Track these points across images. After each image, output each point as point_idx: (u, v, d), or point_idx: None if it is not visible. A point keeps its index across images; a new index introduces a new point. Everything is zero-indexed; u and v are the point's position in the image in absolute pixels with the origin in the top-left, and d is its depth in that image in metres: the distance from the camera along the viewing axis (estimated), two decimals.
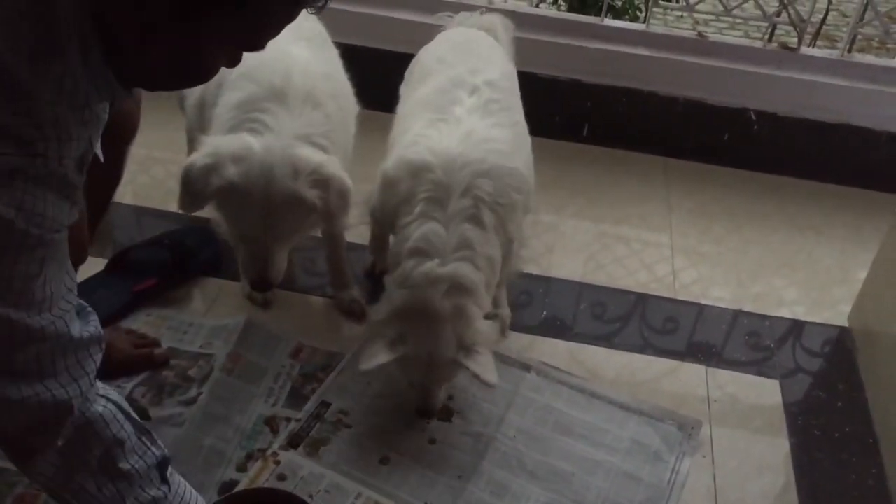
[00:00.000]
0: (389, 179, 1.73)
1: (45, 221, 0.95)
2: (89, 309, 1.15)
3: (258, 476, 1.60)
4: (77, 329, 1.07)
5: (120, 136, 1.61)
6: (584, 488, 1.66)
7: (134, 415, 1.21)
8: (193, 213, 1.77)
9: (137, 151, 2.04)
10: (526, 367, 1.90)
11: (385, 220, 1.84)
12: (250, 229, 1.66)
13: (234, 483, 1.59)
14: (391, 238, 1.79)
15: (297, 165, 1.62)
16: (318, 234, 1.95)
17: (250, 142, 1.62)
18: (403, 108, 1.96)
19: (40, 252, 0.97)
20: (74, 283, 1.09)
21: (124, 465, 1.16)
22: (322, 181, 1.64)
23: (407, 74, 2.06)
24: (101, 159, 1.34)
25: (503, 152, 1.73)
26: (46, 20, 0.91)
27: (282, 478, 1.60)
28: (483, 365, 1.58)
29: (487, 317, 1.80)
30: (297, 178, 1.61)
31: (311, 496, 1.55)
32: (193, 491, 1.29)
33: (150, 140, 2.12)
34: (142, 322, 1.90)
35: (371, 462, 1.66)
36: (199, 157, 1.62)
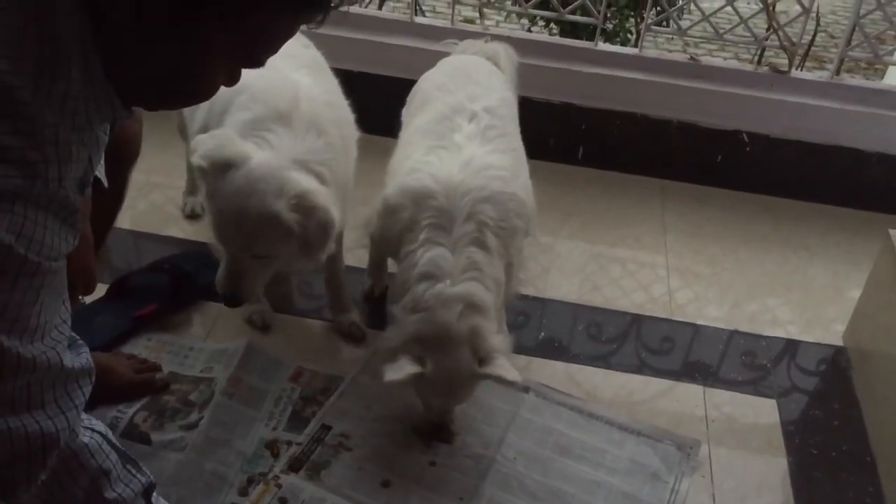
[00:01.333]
0: (391, 207, 1.74)
1: (44, 249, 0.93)
2: (80, 342, 1.13)
3: (259, 500, 1.60)
4: (68, 360, 1.05)
5: (122, 158, 1.62)
6: None
7: (118, 444, 1.20)
8: (194, 238, 1.77)
9: (136, 177, 2.04)
10: (525, 389, 1.90)
11: (386, 247, 1.85)
12: (226, 239, 1.66)
13: None
14: (395, 265, 1.80)
15: (284, 186, 1.61)
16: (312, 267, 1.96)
17: (250, 153, 1.63)
18: (404, 134, 1.98)
19: (38, 280, 0.94)
20: (69, 314, 1.07)
21: (110, 495, 1.16)
22: (306, 208, 1.62)
23: (408, 100, 2.09)
24: (105, 184, 1.36)
25: (503, 178, 1.75)
26: (49, 40, 0.90)
27: (283, 501, 1.61)
28: (502, 367, 1.60)
29: None
30: (279, 197, 1.60)
31: None
32: None
33: (148, 165, 2.14)
34: (142, 347, 1.91)
35: (373, 485, 1.66)
36: (209, 143, 1.64)
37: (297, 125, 1.69)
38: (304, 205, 1.61)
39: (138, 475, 1.21)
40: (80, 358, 1.08)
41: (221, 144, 1.63)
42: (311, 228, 1.63)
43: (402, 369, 1.54)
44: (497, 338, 1.64)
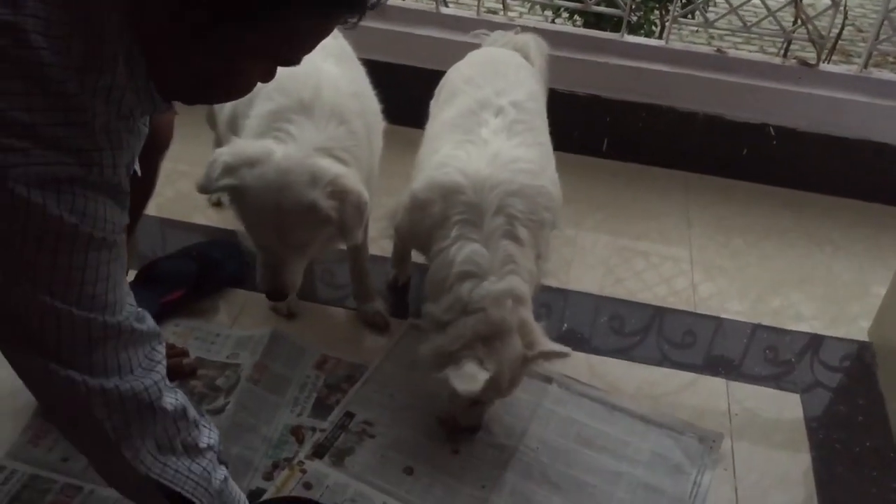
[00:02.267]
0: (420, 202, 1.75)
1: (107, 225, 0.99)
2: (141, 311, 1.18)
3: (285, 484, 1.63)
4: (139, 325, 1.12)
5: (155, 147, 1.64)
6: (606, 499, 1.68)
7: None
8: (220, 226, 1.79)
9: (164, 165, 2.06)
10: (548, 380, 1.91)
11: (414, 241, 1.86)
12: (262, 235, 1.67)
13: (261, 491, 1.61)
14: (418, 255, 1.81)
15: (315, 175, 1.61)
16: (342, 247, 1.98)
17: (272, 148, 1.63)
18: (432, 127, 1.99)
19: (106, 254, 1.01)
20: (129, 287, 1.14)
21: (203, 444, 1.22)
22: (339, 193, 1.62)
23: (437, 92, 2.09)
24: (139, 173, 1.39)
25: (531, 172, 1.76)
26: (96, 35, 0.94)
27: (308, 486, 1.63)
28: (548, 343, 1.63)
29: None
30: (314, 187, 1.60)
31: None
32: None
33: (175, 154, 2.13)
34: (170, 333, 1.93)
35: (395, 472, 1.68)
36: (225, 153, 1.64)
37: (318, 115, 1.69)
38: (337, 190, 1.62)
39: (212, 429, 1.26)
40: (148, 321, 1.16)
41: (243, 144, 1.65)
42: (347, 212, 1.63)
43: (475, 378, 1.54)
44: (539, 327, 1.66)
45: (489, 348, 1.58)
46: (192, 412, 1.22)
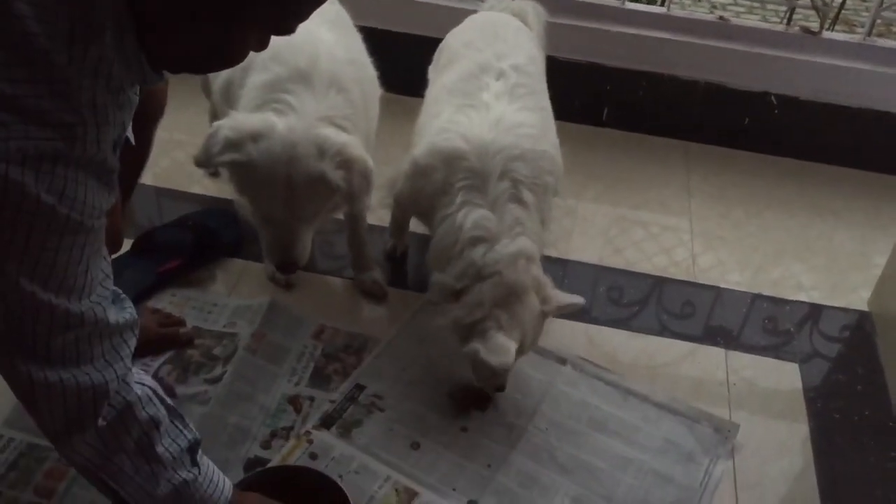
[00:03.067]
0: (421, 168, 1.73)
1: (86, 208, 0.96)
2: (123, 295, 1.17)
3: (291, 454, 1.62)
4: (113, 315, 1.09)
5: (148, 115, 1.62)
6: (613, 484, 1.66)
7: (167, 399, 1.23)
8: (217, 195, 1.78)
9: (159, 134, 2.03)
10: (562, 361, 1.89)
11: (414, 209, 1.84)
12: (273, 209, 1.66)
13: (259, 460, 1.62)
14: (417, 224, 1.80)
15: (322, 145, 1.61)
16: (340, 216, 1.96)
17: (273, 121, 1.61)
18: (431, 91, 1.96)
19: (81, 238, 0.98)
20: (110, 269, 1.11)
21: (159, 447, 1.18)
22: (346, 162, 1.63)
23: (435, 57, 2.07)
24: (133, 142, 1.37)
25: (533, 136, 1.74)
26: (84, 4, 0.91)
27: (314, 456, 1.62)
28: (561, 296, 1.66)
29: None
30: (321, 158, 1.60)
31: (340, 476, 1.57)
32: (220, 473, 1.30)
33: (171, 123, 2.12)
34: (167, 302, 1.93)
35: (402, 446, 1.67)
36: (224, 127, 1.62)
37: (317, 84, 1.68)
38: (344, 159, 1.62)
39: (185, 431, 1.23)
40: (125, 312, 1.13)
41: (243, 118, 1.63)
42: (355, 181, 1.64)
43: (507, 350, 1.55)
44: (549, 281, 1.68)
45: (509, 313, 1.58)
46: (159, 411, 1.18)
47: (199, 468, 1.24)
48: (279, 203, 1.64)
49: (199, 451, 1.26)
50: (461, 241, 1.64)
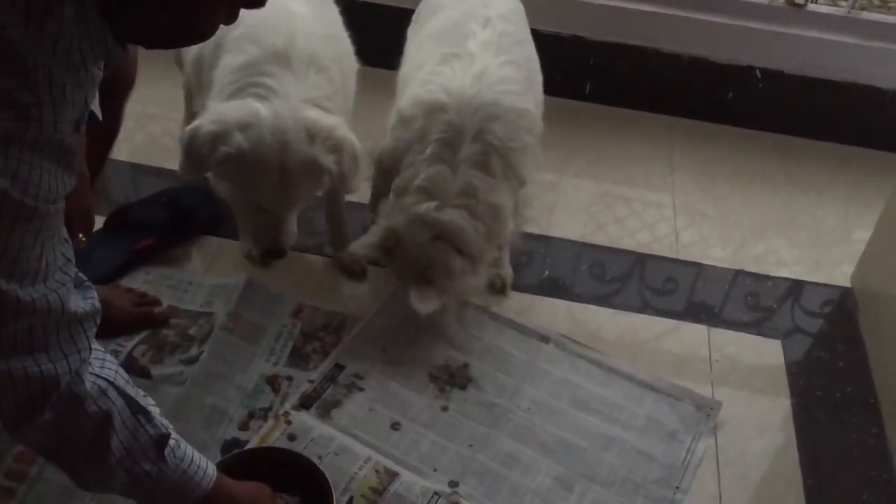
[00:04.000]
0: (405, 118, 1.72)
1: (41, 192, 0.92)
2: (88, 283, 1.12)
3: (269, 435, 1.59)
4: (73, 303, 1.05)
5: (117, 89, 1.57)
6: (595, 463, 1.65)
7: (129, 392, 1.18)
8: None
9: (133, 108, 2.00)
10: (544, 339, 1.88)
11: (393, 163, 1.81)
12: (266, 197, 1.63)
13: (236, 441, 1.59)
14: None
15: (311, 130, 1.58)
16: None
17: (257, 108, 1.57)
18: (414, 42, 1.94)
19: (35, 223, 0.94)
20: (72, 253, 1.06)
21: (114, 441, 1.14)
22: (336, 145, 1.61)
23: (414, 17, 2.03)
24: (100, 117, 1.32)
25: (516, 92, 1.72)
26: None
27: (292, 438, 1.60)
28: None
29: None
30: (312, 142, 1.58)
31: (320, 458, 1.55)
32: (202, 461, 1.26)
33: (146, 96, 2.09)
34: (141, 281, 1.89)
35: (382, 427, 1.65)
36: (205, 123, 1.58)
37: (296, 64, 1.63)
38: (333, 143, 1.60)
39: (147, 426, 1.18)
40: (86, 302, 1.08)
41: (223, 108, 1.59)
42: (345, 163, 1.63)
43: (430, 298, 1.65)
44: (469, 276, 1.69)
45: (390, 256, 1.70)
46: (114, 405, 1.14)
47: (165, 462, 1.19)
48: (270, 190, 1.61)
49: (169, 445, 1.20)
50: (412, 187, 1.65)
